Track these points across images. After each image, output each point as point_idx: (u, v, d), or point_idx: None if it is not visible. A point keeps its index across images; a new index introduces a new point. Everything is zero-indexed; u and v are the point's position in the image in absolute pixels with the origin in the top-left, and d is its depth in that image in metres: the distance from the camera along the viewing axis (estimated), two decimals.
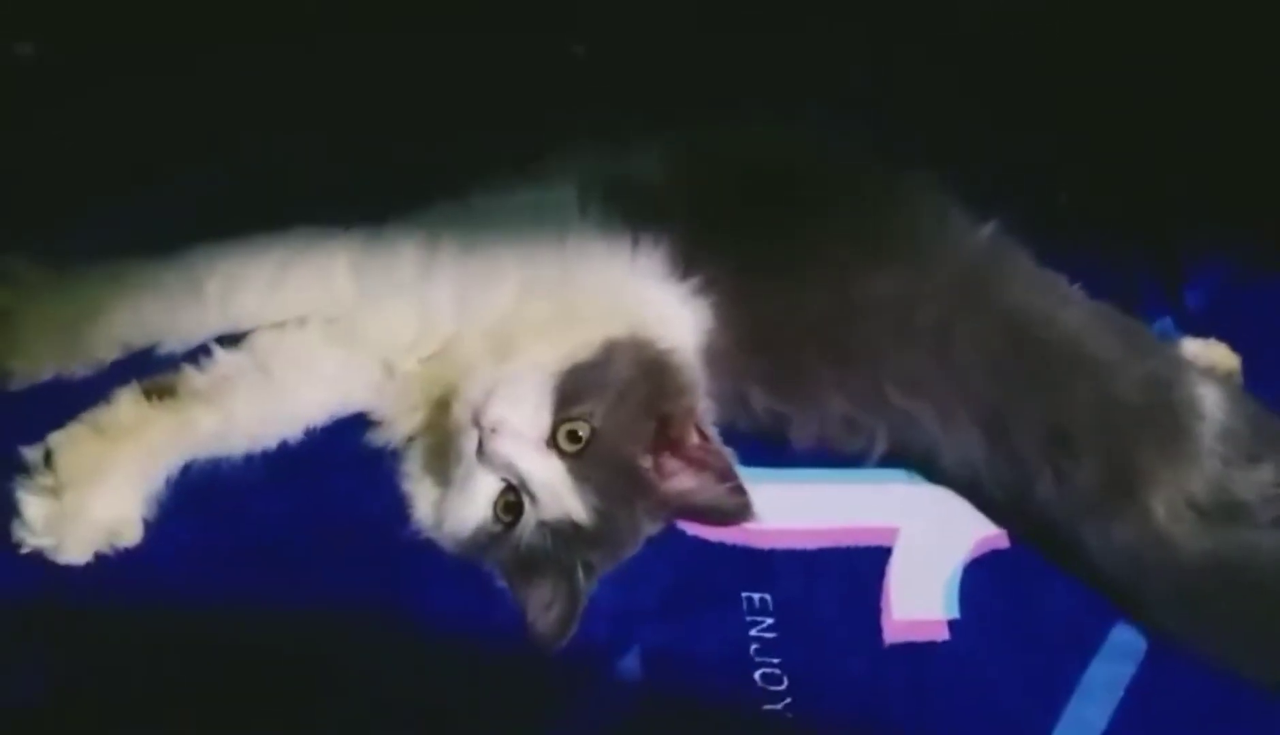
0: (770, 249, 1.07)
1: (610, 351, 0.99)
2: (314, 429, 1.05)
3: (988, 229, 1.15)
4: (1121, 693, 1.04)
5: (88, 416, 0.96)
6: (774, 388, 1.08)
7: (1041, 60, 1.52)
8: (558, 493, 0.95)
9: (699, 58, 1.46)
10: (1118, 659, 1.06)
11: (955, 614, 1.08)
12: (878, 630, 1.06)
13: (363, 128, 1.29)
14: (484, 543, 0.98)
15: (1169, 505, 1.07)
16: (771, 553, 1.08)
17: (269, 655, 0.94)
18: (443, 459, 1.01)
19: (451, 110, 1.33)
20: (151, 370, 1.02)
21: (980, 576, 1.10)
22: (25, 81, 1.25)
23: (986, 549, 1.13)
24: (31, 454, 0.93)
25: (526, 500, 0.95)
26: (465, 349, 1.03)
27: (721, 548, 1.07)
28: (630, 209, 1.06)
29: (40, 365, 1.01)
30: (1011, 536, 1.13)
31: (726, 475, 0.98)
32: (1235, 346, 1.28)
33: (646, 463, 0.99)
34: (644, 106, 1.32)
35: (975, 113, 1.48)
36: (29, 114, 1.21)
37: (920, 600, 1.08)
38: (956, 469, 1.11)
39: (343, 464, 1.05)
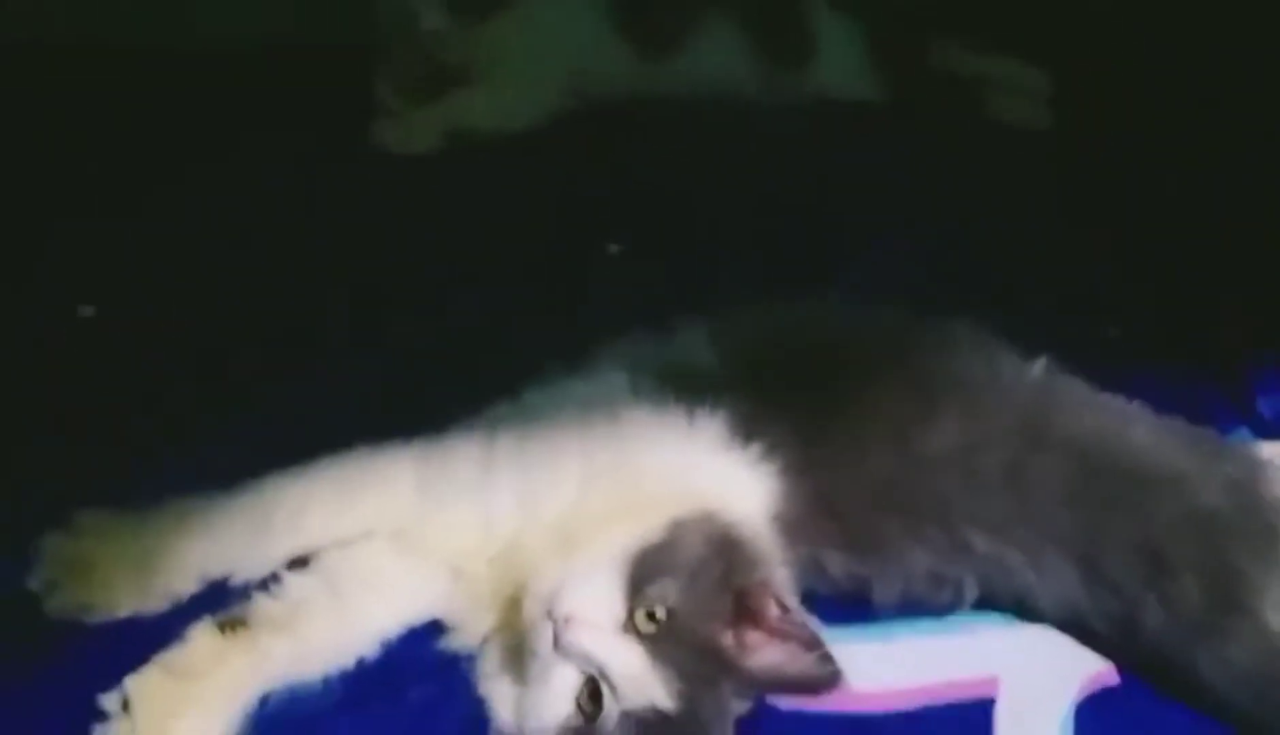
0: (827, 411, 1.07)
1: (678, 530, 0.97)
2: (389, 642, 1.04)
3: (1039, 364, 1.13)
4: None
5: (163, 658, 0.96)
6: (850, 550, 1.05)
7: (1072, 190, 1.52)
8: (639, 679, 0.92)
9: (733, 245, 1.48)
10: None
11: None
12: None
13: (412, 346, 1.31)
14: None
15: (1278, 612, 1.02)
16: (871, 717, 1.04)
17: None
18: (519, 658, 0.98)
19: (495, 311, 1.35)
20: (225, 600, 1.02)
21: (1093, 716, 1.05)
22: (87, 341, 1.29)
23: (1096, 686, 1.07)
24: (110, 701, 0.93)
25: (607, 691, 0.92)
26: (531, 544, 1.02)
27: (821, 717, 1.02)
28: (683, 388, 1.06)
29: (119, 604, 1.02)
30: (1120, 670, 1.08)
31: (812, 644, 0.94)
32: None
33: (728, 639, 0.95)
34: (683, 295, 1.34)
35: (1013, 250, 1.48)
36: (91, 370, 1.25)
37: None
38: (1056, 608, 1.07)
39: (419, 675, 1.03)
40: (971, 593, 1.07)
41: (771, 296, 1.27)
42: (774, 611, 0.97)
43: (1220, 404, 1.33)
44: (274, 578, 1.03)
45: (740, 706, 0.97)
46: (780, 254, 1.48)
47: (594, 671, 0.92)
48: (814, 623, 0.97)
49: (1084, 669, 1.08)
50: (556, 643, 0.92)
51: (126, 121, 1.55)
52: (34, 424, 1.20)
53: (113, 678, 0.94)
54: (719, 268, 1.45)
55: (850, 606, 1.08)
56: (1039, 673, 1.07)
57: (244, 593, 1.03)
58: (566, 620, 0.92)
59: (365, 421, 1.15)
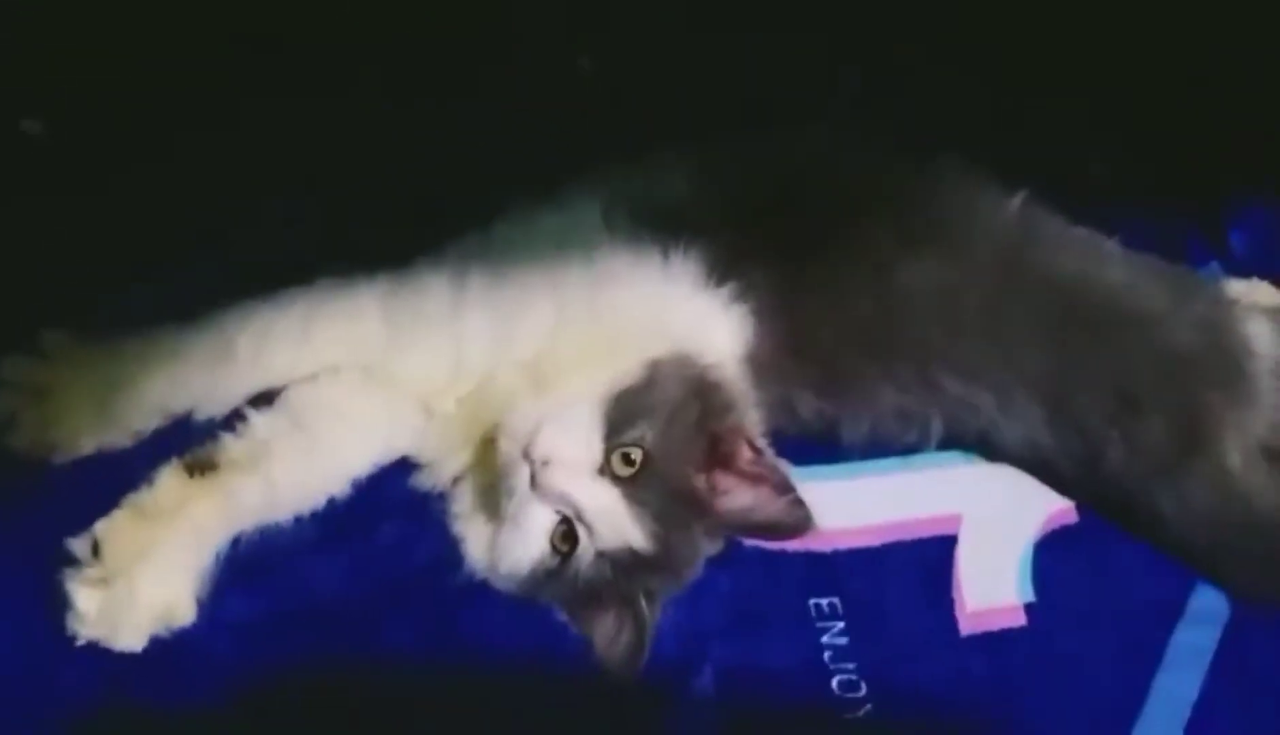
0: (804, 250, 1.05)
1: (654, 372, 0.97)
2: (359, 480, 1.03)
3: (1018, 200, 1.11)
4: (1209, 658, 1.02)
5: (131, 501, 0.94)
6: (821, 390, 1.05)
7: (1057, 21, 1.47)
8: (614, 521, 0.93)
9: (705, 62, 1.43)
10: (1202, 624, 1.04)
11: (1030, 596, 1.06)
12: (953, 623, 1.04)
13: (379, 172, 1.26)
14: (542, 579, 0.95)
15: (1242, 454, 1.05)
16: (835, 555, 1.06)
17: (337, 715, 0.94)
18: (492, 497, 0.99)
19: (466, 140, 1.30)
20: (190, 439, 1.00)
21: (1052, 554, 1.08)
22: (41, 161, 1.23)
23: (1055, 525, 1.10)
24: (79, 545, 0.92)
25: (582, 531, 0.93)
26: (504, 383, 1.01)
27: (783, 556, 1.04)
28: (657, 223, 1.04)
29: (81, 438, 0.99)
30: (1080, 509, 1.11)
31: (783, 488, 0.95)
32: None
33: (700, 482, 0.96)
34: (656, 118, 1.29)
35: (995, 85, 1.44)
36: (50, 192, 1.19)
37: (993, 586, 1.06)
38: (1019, 447, 1.08)
39: (391, 513, 1.04)
40: (937, 432, 1.09)
41: (742, 123, 1.24)
42: (747, 454, 0.98)
43: (1194, 238, 1.33)
44: (239, 417, 1.01)
45: (712, 547, 0.99)
46: (753, 81, 1.43)
47: (570, 512, 0.93)
48: (784, 465, 0.98)
49: (1044, 508, 1.11)
50: (533, 483, 0.92)
51: None
52: None
53: (78, 521, 0.93)
54: (692, 89, 1.40)
55: (816, 445, 1.09)
56: (1000, 511, 1.10)
57: (209, 432, 1.01)
58: (544, 461, 0.92)
59: (333, 251, 1.11)
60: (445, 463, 1.04)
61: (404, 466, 1.05)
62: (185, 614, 0.93)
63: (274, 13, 1.34)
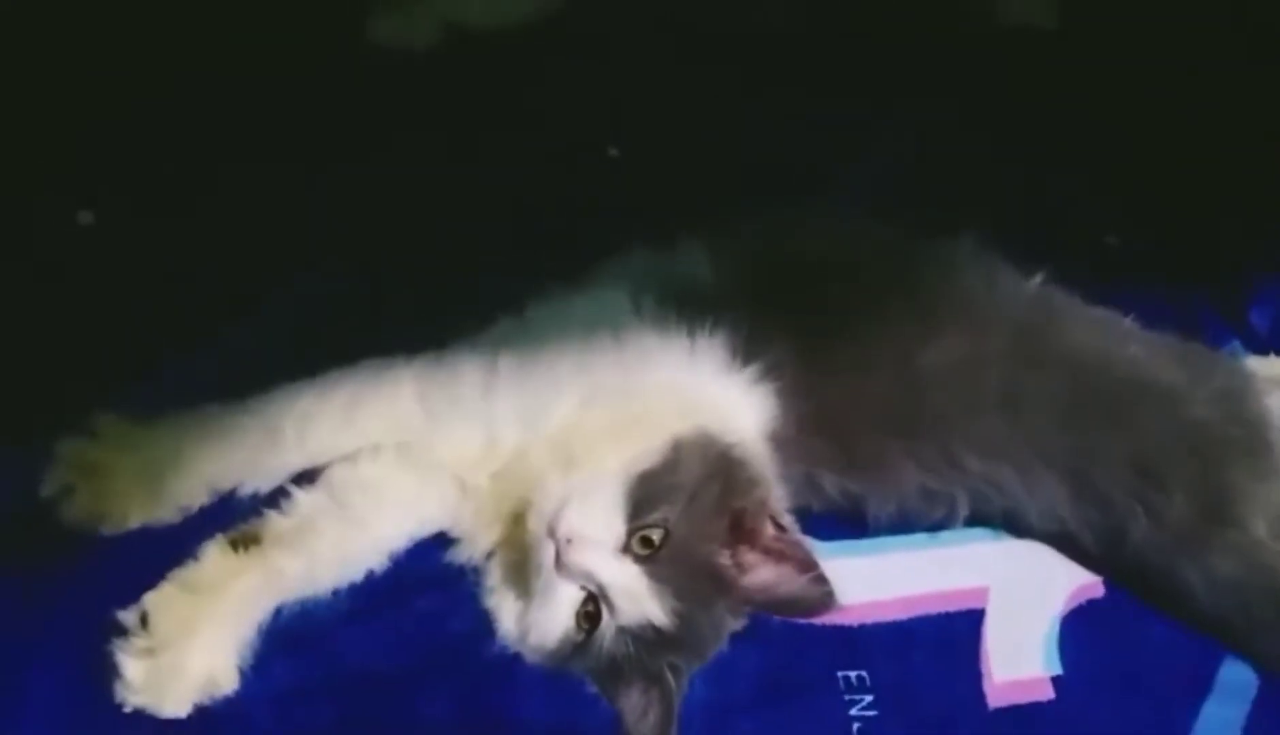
0: (827, 331, 1.08)
1: (678, 451, 0.99)
2: (397, 554, 1.06)
3: (1036, 281, 1.15)
4: (1239, 733, 1.02)
5: (178, 574, 0.98)
6: (845, 468, 1.07)
7: (1071, 97, 1.50)
8: (636, 598, 0.95)
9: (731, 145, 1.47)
10: (1230, 699, 1.05)
11: (1057, 669, 1.06)
12: (980, 696, 1.05)
13: (411, 252, 1.31)
14: (568, 653, 0.98)
15: (1266, 525, 1.06)
16: (863, 628, 1.07)
17: None
18: (522, 572, 1.02)
19: (495, 223, 1.35)
20: (235, 515, 1.04)
21: (1079, 628, 1.09)
22: (90, 247, 1.29)
23: (1082, 599, 1.11)
24: (128, 617, 0.95)
25: (605, 608, 0.95)
26: (534, 460, 1.03)
27: (811, 629, 1.06)
28: (684, 305, 1.07)
29: (131, 514, 1.03)
30: (1106, 583, 1.12)
31: (807, 565, 0.97)
32: None
33: (724, 559, 0.98)
34: (684, 200, 1.33)
35: (1010, 159, 1.47)
36: (98, 276, 1.25)
37: (1020, 659, 1.07)
38: (1044, 524, 1.10)
39: (426, 585, 1.06)
40: (963, 509, 1.10)
41: (764, 204, 1.28)
42: (770, 531, 0.99)
43: (1213, 316, 1.34)
44: (283, 493, 1.05)
45: (736, 623, 1.01)
46: (774, 160, 1.47)
47: (593, 588, 0.96)
48: (809, 543, 1.00)
49: (1071, 582, 1.12)
50: (558, 561, 0.95)
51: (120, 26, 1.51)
52: (44, 330, 1.20)
53: (126, 593, 0.97)
54: (716, 173, 1.45)
55: (843, 522, 1.11)
56: (1027, 585, 1.11)
57: (252, 507, 1.05)
58: (568, 540, 0.95)
59: (368, 331, 1.18)
60: (478, 537, 1.07)
61: (440, 540, 1.08)
62: (228, 683, 0.96)
63: (309, 90, 1.43)
